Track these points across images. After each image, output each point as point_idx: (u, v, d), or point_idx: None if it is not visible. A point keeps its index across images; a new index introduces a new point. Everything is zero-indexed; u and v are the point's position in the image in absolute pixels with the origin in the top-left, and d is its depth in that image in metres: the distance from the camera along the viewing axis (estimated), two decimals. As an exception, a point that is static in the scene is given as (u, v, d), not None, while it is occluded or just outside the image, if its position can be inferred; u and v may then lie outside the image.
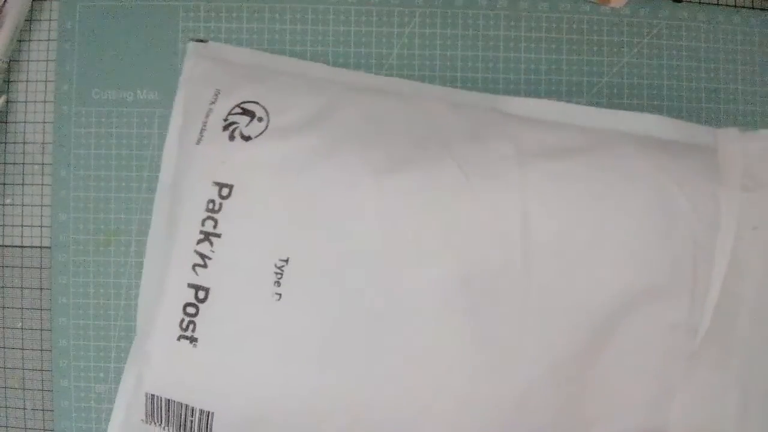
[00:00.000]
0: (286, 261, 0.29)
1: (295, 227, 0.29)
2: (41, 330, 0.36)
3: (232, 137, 0.30)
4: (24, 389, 0.36)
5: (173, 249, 0.30)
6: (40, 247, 0.36)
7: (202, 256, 0.29)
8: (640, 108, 0.36)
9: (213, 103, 0.31)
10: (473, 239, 0.28)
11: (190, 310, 0.29)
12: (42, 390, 0.36)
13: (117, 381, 0.35)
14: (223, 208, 0.29)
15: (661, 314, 0.28)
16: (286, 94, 0.31)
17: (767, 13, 0.37)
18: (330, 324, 0.28)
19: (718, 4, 0.37)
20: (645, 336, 0.28)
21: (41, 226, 0.36)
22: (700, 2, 0.37)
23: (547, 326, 0.28)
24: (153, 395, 0.30)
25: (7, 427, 0.36)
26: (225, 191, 0.29)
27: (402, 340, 0.28)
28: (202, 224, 0.29)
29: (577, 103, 0.36)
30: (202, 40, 0.35)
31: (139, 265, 0.35)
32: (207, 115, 0.31)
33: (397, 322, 0.28)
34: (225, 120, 0.31)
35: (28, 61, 0.36)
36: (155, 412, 0.30)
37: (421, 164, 0.29)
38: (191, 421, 0.30)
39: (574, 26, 0.37)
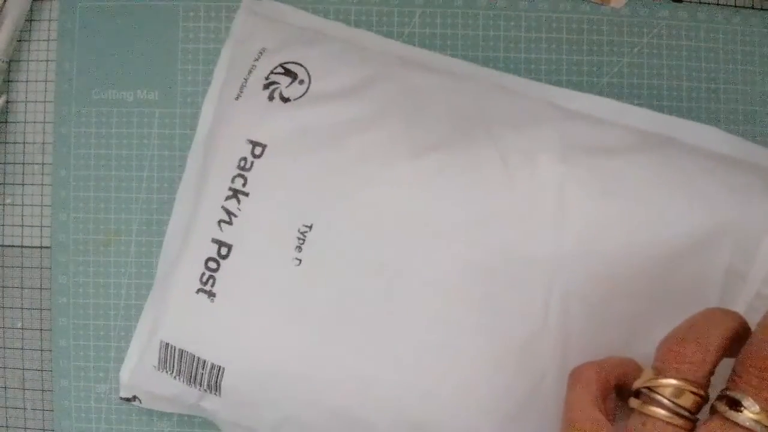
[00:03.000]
0: (310, 227, 0.29)
1: (323, 194, 0.29)
2: (41, 330, 0.36)
3: (271, 97, 0.30)
4: (24, 389, 0.36)
5: (201, 202, 0.30)
6: (40, 247, 0.36)
7: (229, 212, 0.29)
8: (639, 107, 0.36)
9: (257, 60, 0.31)
10: (506, 228, 0.28)
11: (212, 265, 0.30)
12: (42, 390, 0.36)
13: (117, 381, 0.35)
14: (254, 167, 0.29)
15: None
16: (331, 60, 0.31)
17: (767, 13, 0.37)
18: (346, 295, 0.28)
19: (718, 4, 0.37)
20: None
21: (41, 226, 0.36)
22: (700, 2, 0.37)
23: (570, 329, 0.28)
24: (167, 344, 0.30)
25: (7, 427, 0.36)
26: (258, 150, 0.29)
27: (416, 320, 0.28)
28: (232, 181, 0.30)
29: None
30: None
31: (139, 265, 0.35)
32: (249, 72, 0.31)
33: (414, 302, 0.28)
34: (266, 78, 0.31)
35: (28, 61, 0.36)
36: (168, 361, 0.31)
37: (460, 147, 0.29)
38: (202, 374, 0.30)
39: (574, 26, 0.37)
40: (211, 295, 0.29)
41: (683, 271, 0.27)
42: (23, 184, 0.36)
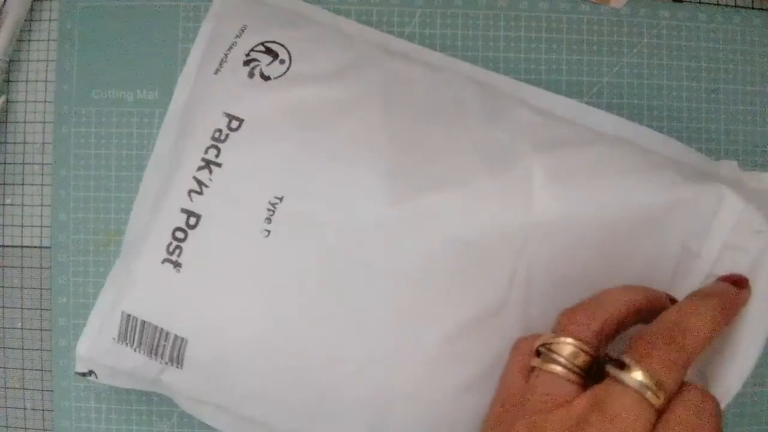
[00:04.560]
0: (281, 199, 0.29)
1: (297, 169, 0.29)
2: (41, 330, 0.36)
3: (251, 74, 0.30)
4: (24, 389, 0.36)
5: (174, 174, 0.30)
6: (40, 247, 0.36)
7: (200, 182, 0.29)
8: (640, 107, 0.36)
9: (238, 37, 0.32)
10: (479, 208, 0.28)
11: (179, 234, 0.29)
12: (42, 390, 0.36)
13: (117, 381, 0.35)
14: (229, 139, 0.29)
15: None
16: (313, 43, 0.31)
17: (767, 13, 0.37)
18: (313, 268, 0.28)
19: (718, 4, 0.37)
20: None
21: (41, 226, 0.36)
22: (700, 2, 0.37)
23: (532, 303, 0.28)
24: (129, 315, 0.30)
25: (7, 427, 0.36)
26: (234, 124, 0.30)
27: (385, 293, 0.28)
28: (205, 152, 0.30)
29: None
30: None
31: (139, 265, 0.35)
32: (230, 48, 0.31)
33: (385, 275, 0.28)
34: (247, 55, 0.31)
35: (28, 61, 0.36)
36: (128, 332, 0.30)
37: (437, 136, 0.29)
38: (164, 346, 0.29)
39: (574, 26, 0.37)
40: (177, 265, 0.29)
41: (641, 251, 0.28)
42: (23, 184, 0.36)
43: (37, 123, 0.36)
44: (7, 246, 0.36)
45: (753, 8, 0.37)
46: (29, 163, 0.36)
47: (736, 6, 0.37)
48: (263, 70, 0.30)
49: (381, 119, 0.29)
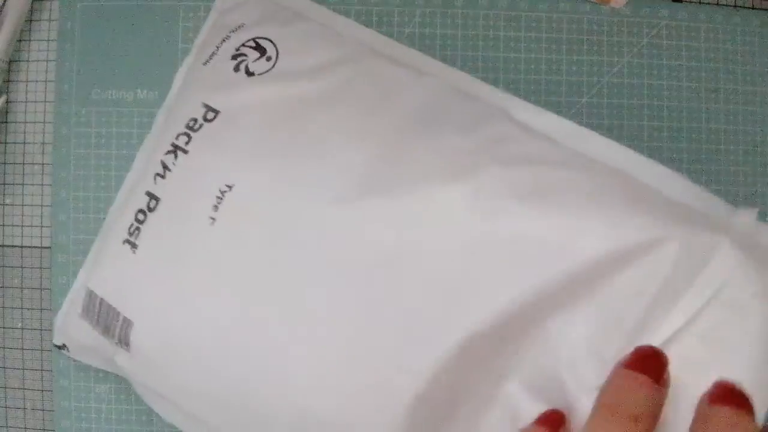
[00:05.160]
0: (230, 188, 0.28)
1: (253, 160, 0.29)
2: (41, 330, 0.36)
3: (237, 68, 0.30)
4: (24, 389, 0.36)
5: (149, 157, 0.31)
6: (40, 247, 0.36)
7: (165, 166, 0.30)
8: (640, 107, 0.36)
9: (233, 31, 0.32)
10: (422, 217, 0.27)
11: (140, 216, 0.30)
12: (42, 390, 0.36)
13: (117, 381, 0.35)
14: (201, 129, 0.30)
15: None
16: (302, 41, 0.31)
17: (767, 13, 0.37)
18: (253, 262, 0.28)
19: (718, 4, 0.37)
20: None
21: (41, 226, 0.36)
22: (700, 2, 0.37)
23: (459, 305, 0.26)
24: (92, 292, 0.31)
25: (7, 427, 0.36)
26: (210, 115, 0.30)
27: (322, 294, 0.27)
28: (176, 138, 0.30)
29: (578, 102, 0.36)
30: None
31: (139, 265, 0.35)
32: (223, 41, 0.32)
33: (321, 276, 0.27)
34: (236, 50, 0.31)
35: (28, 61, 0.36)
36: (90, 309, 0.31)
37: (402, 140, 0.28)
38: (115, 325, 0.30)
39: (574, 26, 0.37)
40: (134, 246, 0.29)
41: (601, 285, 0.26)
42: (23, 184, 0.36)
43: (37, 123, 0.36)
44: (7, 246, 0.36)
45: (753, 8, 0.37)
46: (29, 163, 0.36)
47: (736, 6, 0.37)
48: (249, 65, 0.30)
49: (348, 118, 0.29)
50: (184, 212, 0.29)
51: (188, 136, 0.30)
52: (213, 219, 0.28)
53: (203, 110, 0.30)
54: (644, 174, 0.28)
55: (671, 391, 0.24)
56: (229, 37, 0.32)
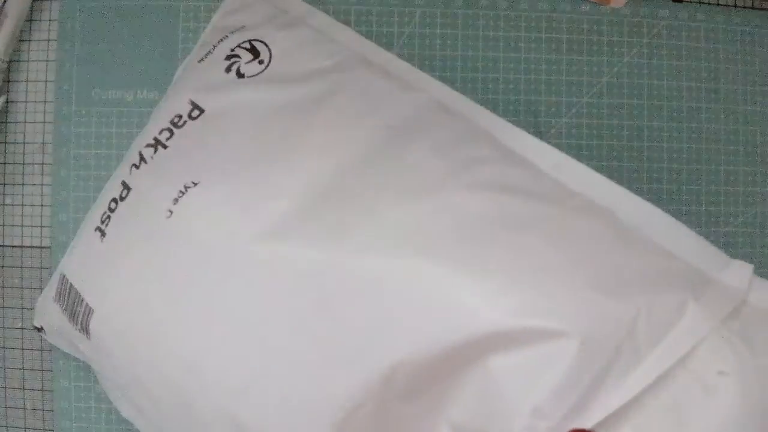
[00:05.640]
0: (195, 184, 0.28)
1: (223, 161, 0.28)
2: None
3: (228, 69, 0.30)
4: (24, 389, 0.36)
5: (132, 148, 0.31)
6: (40, 247, 0.36)
7: (142, 158, 0.30)
8: (640, 107, 0.36)
9: (232, 32, 0.32)
10: (369, 238, 0.26)
11: (112, 205, 0.30)
12: (42, 390, 0.36)
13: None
14: (185, 126, 0.30)
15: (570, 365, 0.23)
16: (296, 46, 0.31)
17: (767, 13, 0.37)
18: (196, 259, 0.27)
19: (718, 4, 0.37)
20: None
21: (41, 226, 0.36)
22: (700, 2, 0.37)
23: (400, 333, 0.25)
24: (64, 276, 0.31)
25: (7, 427, 0.36)
26: (195, 113, 0.30)
27: (249, 308, 0.26)
28: (159, 132, 0.30)
29: (578, 102, 0.36)
30: None
31: (139, 265, 0.35)
32: (220, 41, 0.32)
33: (251, 287, 0.26)
34: (231, 50, 0.31)
35: (28, 61, 0.36)
36: (61, 293, 0.31)
37: (373, 154, 0.28)
38: (78, 312, 0.30)
39: (574, 26, 0.37)
40: (102, 233, 0.30)
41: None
42: (23, 184, 0.36)
43: (37, 123, 0.36)
44: (7, 246, 0.36)
45: (753, 8, 0.37)
46: (29, 163, 0.36)
47: (736, 6, 0.37)
48: (241, 67, 0.30)
49: (322, 125, 0.28)
50: (146, 203, 0.29)
51: (170, 131, 0.30)
52: (170, 212, 0.28)
53: (189, 107, 0.30)
54: (628, 211, 0.26)
55: None
56: (227, 37, 0.32)
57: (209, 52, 0.31)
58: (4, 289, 0.36)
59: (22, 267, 0.36)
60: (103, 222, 0.30)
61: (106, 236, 0.30)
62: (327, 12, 0.36)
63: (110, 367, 0.30)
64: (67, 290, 0.31)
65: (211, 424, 0.27)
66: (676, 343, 0.23)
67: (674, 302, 0.23)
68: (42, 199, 0.36)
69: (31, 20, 0.36)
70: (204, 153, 0.29)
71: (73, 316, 0.30)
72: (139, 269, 0.28)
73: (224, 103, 0.30)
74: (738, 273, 0.24)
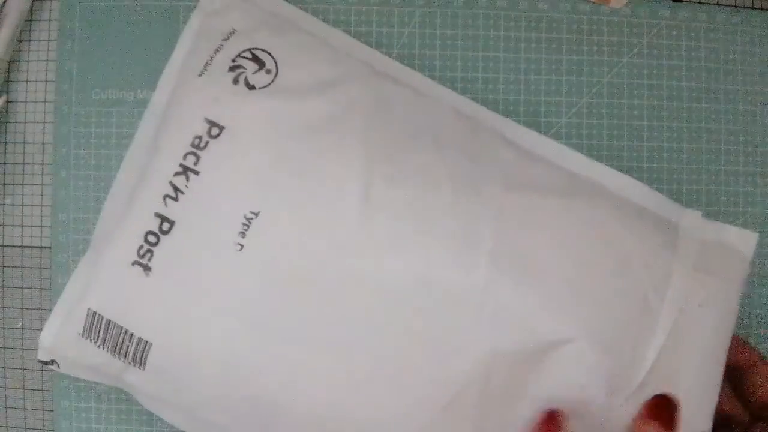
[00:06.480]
0: (257, 215, 0.28)
1: (274, 185, 0.29)
2: (41, 330, 0.36)
3: (236, 81, 0.30)
4: (24, 389, 0.36)
5: (149, 175, 0.30)
6: (40, 247, 0.36)
7: (176, 188, 0.29)
8: (639, 107, 0.36)
9: (226, 40, 0.31)
10: (443, 250, 0.28)
11: (151, 239, 0.29)
12: (42, 390, 0.36)
13: (117, 381, 0.35)
14: (208, 147, 0.29)
15: (590, 365, 0.28)
16: (302, 54, 0.31)
17: (767, 13, 0.37)
18: (281, 288, 0.28)
19: (718, 4, 0.37)
20: (563, 380, 0.28)
21: (41, 226, 0.36)
22: (700, 2, 0.37)
23: (484, 345, 0.28)
24: (95, 312, 0.30)
25: (7, 426, 0.36)
26: (215, 131, 0.29)
27: (346, 326, 0.28)
28: (184, 158, 0.29)
29: (578, 102, 0.36)
30: None
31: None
32: (216, 51, 0.31)
33: (346, 306, 0.28)
34: (233, 61, 0.30)
35: (28, 61, 0.36)
36: (93, 330, 0.30)
37: (413, 162, 0.29)
38: (128, 346, 0.30)
39: (574, 26, 0.37)
40: (147, 269, 0.29)
41: (601, 313, 0.29)
42: (23, 184, 0.36)
43: (37, 123, 0.36)
44: (7, 246, 0.36)
45: (753, 8, 0.37)
46: (29, 163, 0.36)
47: (736, 6, 0.37)
48: (248, 78, 0.30)
49: (357, 141, 0.29)
50: (206, 238, 0.29)
51: (196, 155, 0.29)
52: (241, 246, 0.28)
53: (207, 126, 0.29)
54: (617, 185, 0.32)
55: None
56: (222, 46, 0.31)
57: (207, 64, 0.31)
58: (4, 289, 0.36)
59: (22, 267, 0.36)
60: (142, 257, 0.29)
61: (153, 271, 0.29)
62: (327, 12, 0.36)
63: (171, 390, 0.30)
64: (103, 327, 0.30)
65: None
66: (675, 292, 0.29)
67: (663, 256, 0.29)
68: (42, 199, 0.36)
69: (31, 20, 0.36)
70: (245, 176, 0.29)
71: (118, 351, 0.30)
72: (216, 303, 0.29)
73: (243, 116, 0.29)
74: (692, 218, 0.31)
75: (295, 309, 0.28)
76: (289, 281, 0.28)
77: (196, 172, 0.29)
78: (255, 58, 0.30)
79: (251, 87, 0.30)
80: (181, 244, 0.29)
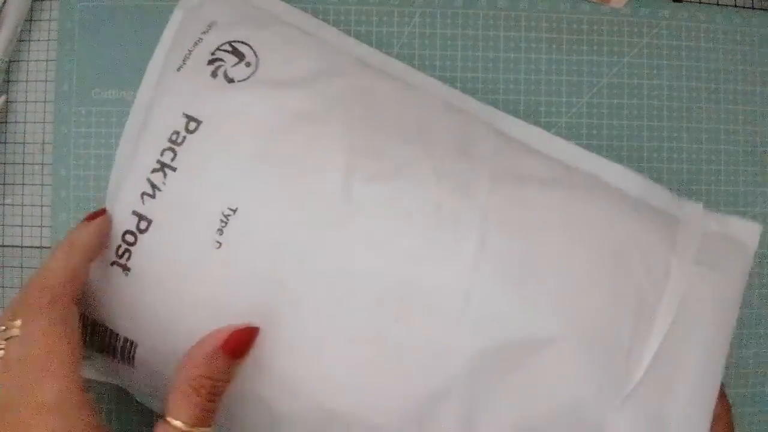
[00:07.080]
0: (234, 211, 0.28)
1: (253, 181, 0.28)
2: (41, 330, 0.36)
3: (215, 74, 0.29)
4: (24, 389, 0.36)
5: (128, 173, 0.30)
6: (40, 247, 0.36)
7: (153, 186, 0.29)
8: (639, 107, 0.36)
9: (204, 33, 0.30)
10: (426, 248, 0.27)
11: (129, 238, 0.29)
12: (42, 390, 0.36)
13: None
14: (185, 142, 0.29)
15: (578, 365, 0.27)
16: (284, 47, 0.30)
17: (767, 13, 0.37)
18: (259, 285, 0.28)
19: (718, 4, 0.37)
20: (551, 379, 0.27)
21: (41, 226, 0.36)
22: (700, 2, 0.37)
23: (472, 344, 0.27)
24: (82, 314, 0.29)
25: (7, 427, 0.36)
26: (192, 125, 0.29)
27: (324, 325, 0.28)
28: (161, 154, 0.29)
29: (578, 101, 0.36)
30: None
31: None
32: (195, 44, 0.30)
33: (325, 305, 0.27)
34: (212, 54, 0.30)
35: (28, 61, 0.36)
36: (82, 331, 0.29)
37: (398, 156, 0.28)
38: (115, 346, 0.29)
39: (574, 26, 0.37)
40: (125, 269, 0.29)
41: (597, 312, 0.28)
42: (23, 184, 0.36)
43: (37, 123, 0.36)
44: (7, 246, 0.36)
45: (753, 8, 0.37)
46: (29, 163, 0.36)
47: (736, 6, 0.37)
48: (228, 71, 0.29)
49: (340, 136, 0.28)
50: (184, 235, 0.28)
51: (173, 151, 0.29)
52: (219, 243, 0.28)
53: (184, 121, 0.29)
54: (614, 177, 0.31)
55: None
56: (201, 39, 0.30)
57: (186, 58, 0.30)
58: (4, 289, 0.36)
59: (22, 267, 0.36)
60: (120, 257, 0.29)
61: (132, 271, 0.29)
62: (327, 12, 0.36)
63: (161, 388, 0.30)
64: (89, 327, 0.30)
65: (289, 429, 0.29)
66: (674, 288, 0.28)
67: (662, 251, 0.29)
68: (42, 199, 0.36)
69: (31, 20, 0.36)
70: (221, 171, 0.28)
71: (106, 350, 0.30)
72: (196, 301, 0.28)
73: (221, 110, 0.29)
74: (693, 210, 0.30)
75: (273, 306, 0.28)
76: (268, 278, 0.28)
77: (174, 168, 0.28)
78: (235, 51, 0.30)
79: (230, 80, 0.29)
80: (159, 243, 0.28)
